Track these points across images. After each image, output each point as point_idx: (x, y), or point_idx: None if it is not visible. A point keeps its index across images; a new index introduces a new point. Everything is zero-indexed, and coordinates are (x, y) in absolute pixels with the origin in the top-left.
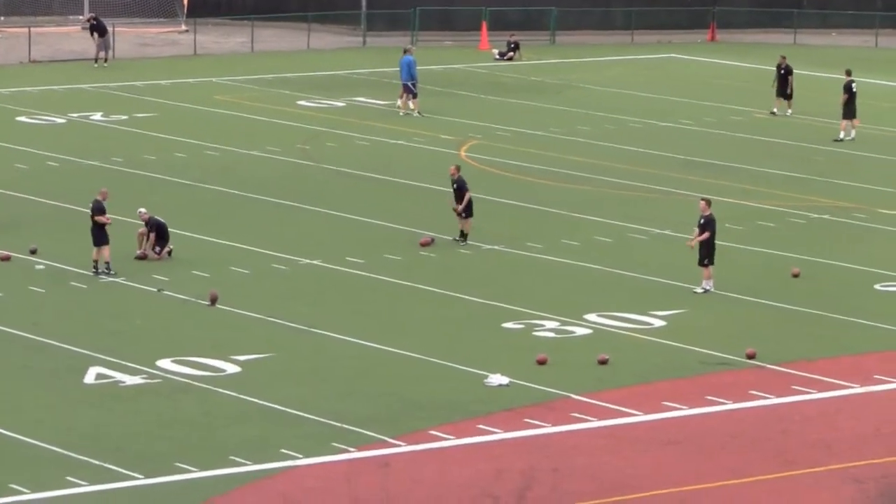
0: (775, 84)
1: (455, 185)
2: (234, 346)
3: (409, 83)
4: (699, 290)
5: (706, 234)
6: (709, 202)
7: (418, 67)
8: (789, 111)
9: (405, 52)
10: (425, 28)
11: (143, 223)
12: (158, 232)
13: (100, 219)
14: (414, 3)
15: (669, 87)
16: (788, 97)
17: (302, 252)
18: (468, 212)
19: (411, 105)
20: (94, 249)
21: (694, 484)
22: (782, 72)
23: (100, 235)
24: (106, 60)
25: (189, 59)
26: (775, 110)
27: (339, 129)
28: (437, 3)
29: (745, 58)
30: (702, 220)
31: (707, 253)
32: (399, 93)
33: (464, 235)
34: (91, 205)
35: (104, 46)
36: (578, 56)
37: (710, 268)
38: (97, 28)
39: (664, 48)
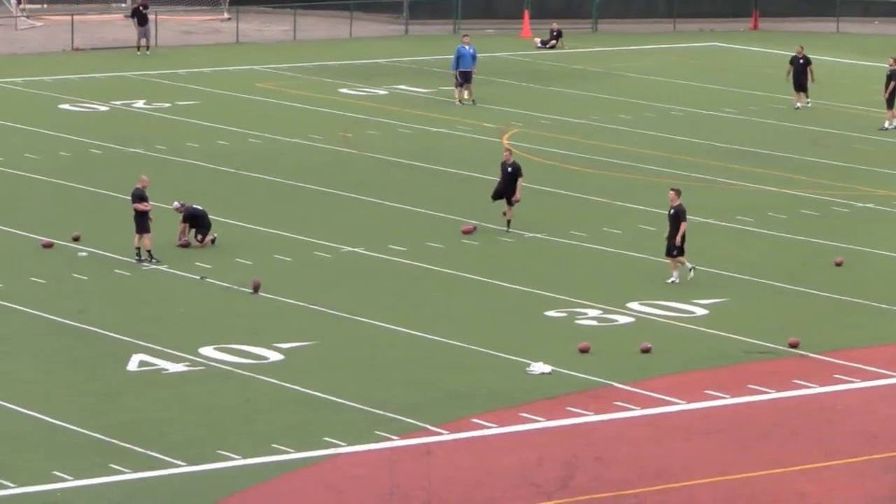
0: (789, 77)
1: (510, 170)
2: (277, 333)
3: (465, 72)
4: (670, 280)
5: (682, 227)
6: (678, 192)
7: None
8: (809, 102)
9: (464, 41)
10: (468, 16)
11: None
12: (196, 221)
13: (140, 206)
14: None
15: (712, 75)
16: (805, 89)
17: (344, 240)
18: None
19: (466, 95)
20: (136, 237)
21: (736, 473)
22: (801, 61)
23: (141, 223)
24: (147, 48)
25: (231, 47)
26: (799, 105)
27: (381, 117)
28: None
29: (788, 46)
30: (671, 211)
31: (675, 244)
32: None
33: (507, 223)
34: (132, 192)
35: (144, 34)
36: (620, 44)
37: (682, 257)
38: (139, 15)
39: (706, 36)
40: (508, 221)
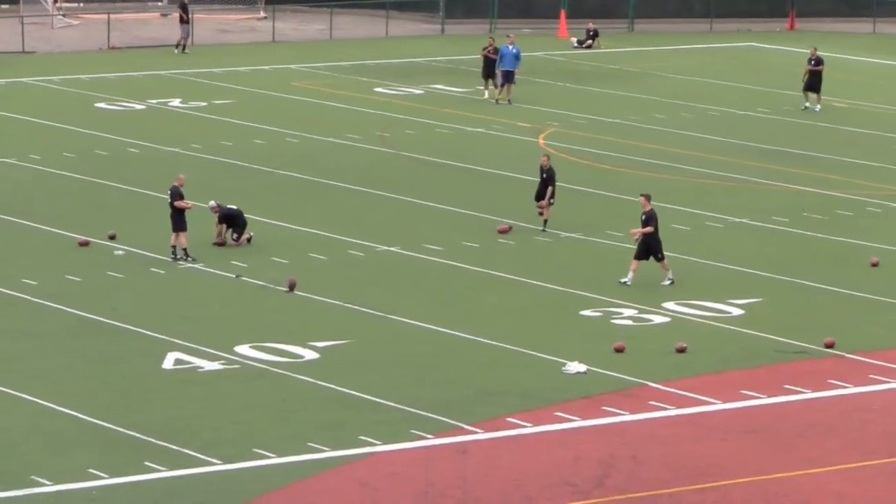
0: (805, 78)
1: (545, 175)
2: (312, 332)
3: (506, 71)
4: (624, 279)
5: (649, 229)
6: (648, 198)
7: (497, 56)
8: (818, 106)
9: (508, 41)
10: (504, 16)
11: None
12: (231, 221)
13: (179, 203)
14: None
15: (748, 75)
16: (817, 91)
17: (380, 239)
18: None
19: (501, 94)
20: (173, 235)
21: (771, 473)
22: (812, 63)
23: (179, 221)
24: (185, 48)
25: (267, 46)
26: (807, 105)
27: (417, 116)
28: None
29: (824, 47)
30: (643, 217)
31: (646, 249)
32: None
33: (544, 222)
34: (169, 191)
35: (186, 33)
36: (657, 44)
37: (664, 261)
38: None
39: (743, 36)
40: (545, 221)
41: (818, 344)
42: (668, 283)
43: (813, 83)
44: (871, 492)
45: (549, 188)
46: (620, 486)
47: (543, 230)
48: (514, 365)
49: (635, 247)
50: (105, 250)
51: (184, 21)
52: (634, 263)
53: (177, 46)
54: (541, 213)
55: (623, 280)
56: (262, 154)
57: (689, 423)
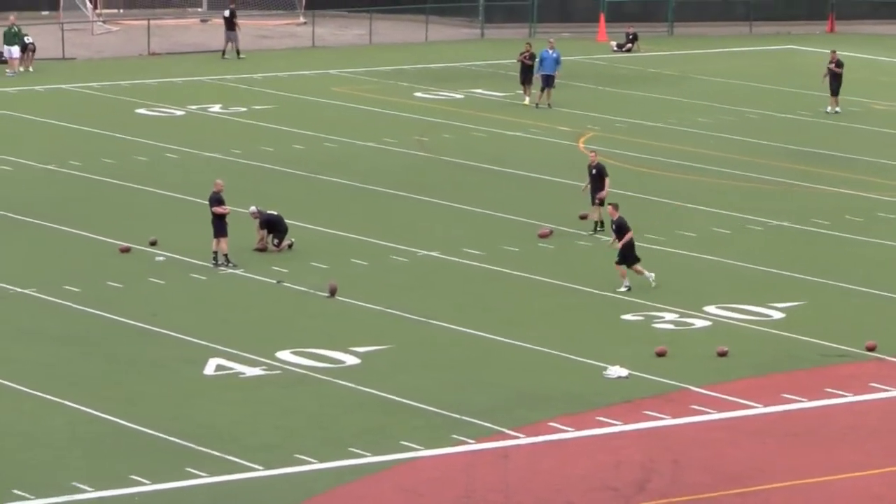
0: (826, 80)
1: (594, 171)
2: (353, 337)
3: (545, 75)
4: (622, 288)
5: (628, 236)
6: (616, 206)
7: (533, 62)
8: (837, 108)
9: (550, 47)
10: (543, 20)
11: (256, 220)
12: (272, 226)
13: (218, 210)
14: None
15: (788, 78)
16: (836, 94)
17: (420, 244)
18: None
19: (545, 98)
20: (214, 241)
21: (813, 476)
22: (832, 66)
23: (219, 227)
24: (239, 53)
25: (307, 52)
26: (828, 109)
27: (456, 120)
28: None
29: (864, 49)
30: (614, 226)
31: (623, 254)
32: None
33: (600, 224)
34: (209, 196)
35: (231, 39)
36: (696, 47)
37: (637, 265)
38: (228, 20)
39: (783, 39)
40: (601, 222)
41: (859, 347)
42: (652, 284)
43: (834, 86)
44: None
45: (606, 180)
46: (662, 491)
47: (595, 232)
48: (556, 369)
49: (673, 251)
50: (146, 256)
51: (231, 27)
52: (622, 270)
53: (224, 53)
54: (583, 218)
55: (620, 289)
56: (301, 159)
57: (730, 427)
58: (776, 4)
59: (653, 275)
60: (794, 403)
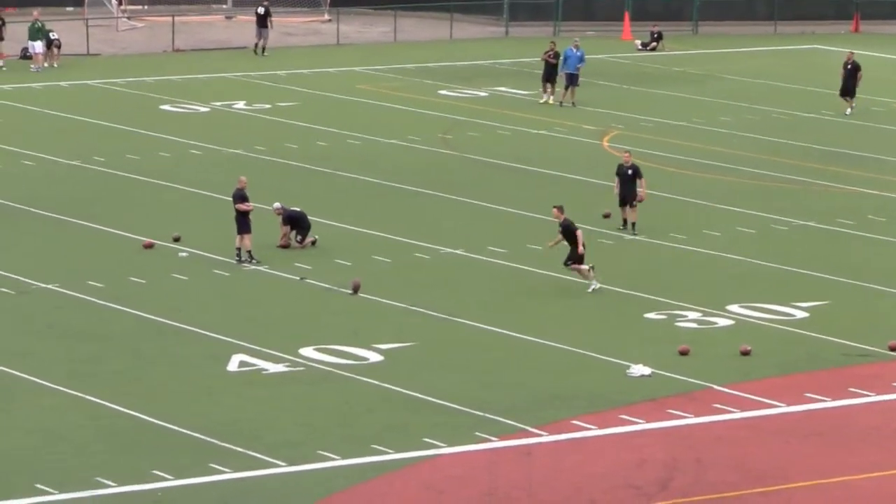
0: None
1: (630, 172)
2: (376, 334)
3: (569, 74)
4: (592, 288)
5: (579, 233)
6: (561, 209)
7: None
8: (849, 110)
9: (574, 45)
10: (568, 18)
11: (279, 216)
12: (296, 223)
13: (241, 206)
14: None
15: (812, 77)
16: (850, 96)
17: (444, 241)
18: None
19: (569, 96)
20: (237, 237)
21: (836, 476)
22: (849, 67)
23: (242, 223)
24: (263, 50)
25: (332, 49)
26: (847, 111)
27: (481, 118)
28: None
29: (889, 49)
30: (560, 228)
31: (573, 255)
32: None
33: (632, 225)
34: (233, 193)
35: (261, 36)
36: (721, 46)
37: (588, 267)
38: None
39: (807, 39)
40: (633, 224)
41: (882, 347)
42: (592, 290)
43: (849, 87)
44: None
45: (642, 181)
46: (684, 489)
47: (632, 232)
48: (579, 368)
49: (697, 249)
50: (169, 252)
51: (263, 24)
52: (581, 269)
53: (256, 49)
54: (607, 216)
55: (590, 289)
56: (325, 156)
57: (753, 426)
58: (801, 4)
59: (596, 284)
60: (817, 403)
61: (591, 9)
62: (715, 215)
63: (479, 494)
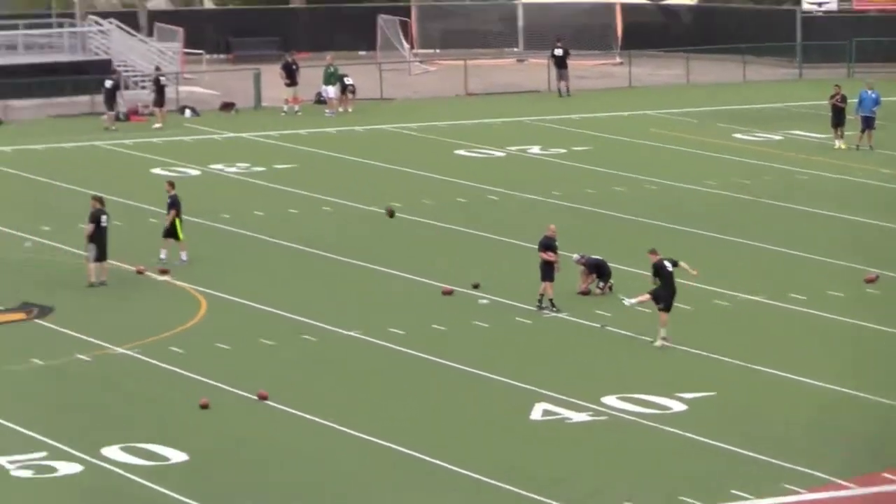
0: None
1: None
2: (679, 383)
3: (865, 117)
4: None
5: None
6: (654, 251)
7: (854, 99)
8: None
9: (869, 87)
10: (862, 60)
11: (582, 266)
12: (598, 270)
13: (546, 256)
14: (850, 35)
15: None
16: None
17: (743, 287)
18: None
19: (866, 139)
20: (542, 284)
21: None
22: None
23: (547, 271)
24: (567, 91)
25: (624, 92)
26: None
27: (776, 162)
28: (874, 34)
29: None
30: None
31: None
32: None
33: None
34: (540, 240)
35: (562, 77)
36: None
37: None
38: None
39: None
40: None
41: None
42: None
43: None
44: None
45: None
46: None
47: None
48: (890, 418)
49: None
50: (469, 299)
51: (562, 66)
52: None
53: (560, 90)
54: None
55: (657, 342)
56: (623, 202)
57: None
58: None
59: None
60: None
61: (887, 50)
62: None
63: None
